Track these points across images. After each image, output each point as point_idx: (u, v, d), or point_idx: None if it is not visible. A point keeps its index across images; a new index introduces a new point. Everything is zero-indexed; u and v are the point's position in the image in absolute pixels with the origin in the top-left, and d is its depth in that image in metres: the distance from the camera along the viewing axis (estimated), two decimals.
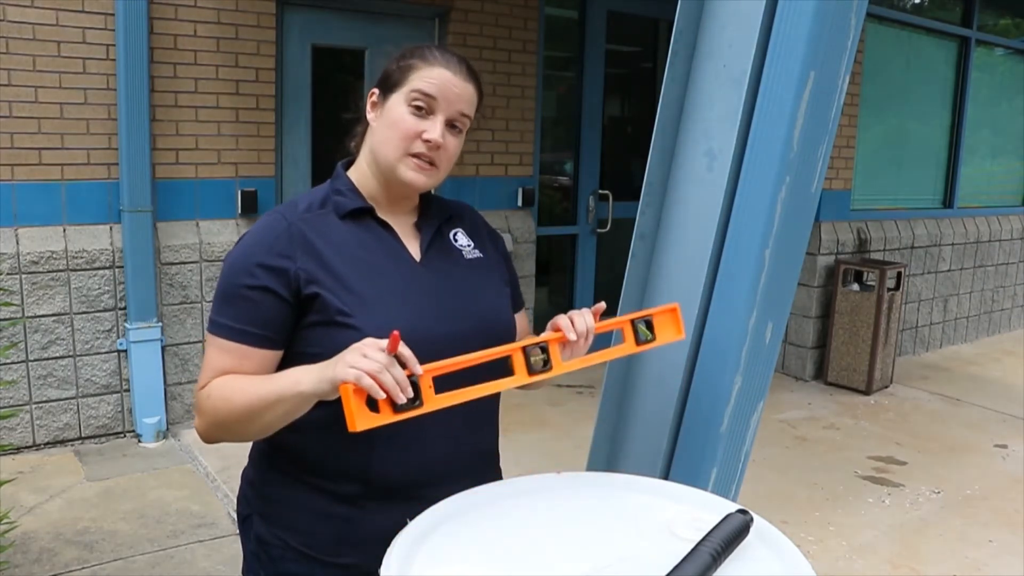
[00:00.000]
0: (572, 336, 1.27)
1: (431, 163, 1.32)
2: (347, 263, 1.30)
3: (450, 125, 1.33)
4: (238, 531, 1.47)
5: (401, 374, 1.09)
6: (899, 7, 6.44)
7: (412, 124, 1.30)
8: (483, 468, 1.38)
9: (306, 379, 1.16)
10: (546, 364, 1.25)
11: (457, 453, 1.35)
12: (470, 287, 1.40)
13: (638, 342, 1.36)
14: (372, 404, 1.08)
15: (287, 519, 1.35)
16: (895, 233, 6.30)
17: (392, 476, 1.29)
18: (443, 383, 1.21)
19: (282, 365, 1.30)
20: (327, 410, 1.19)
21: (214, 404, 1.26)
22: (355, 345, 1.12)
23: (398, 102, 1.32)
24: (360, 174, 1.39)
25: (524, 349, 1.23)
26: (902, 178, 6.71)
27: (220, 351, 1.28)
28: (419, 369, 1.11)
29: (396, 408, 1.08)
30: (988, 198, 7.45)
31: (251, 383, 1.24)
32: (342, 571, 1.19)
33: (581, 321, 1.29)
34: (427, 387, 1.12)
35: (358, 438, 1.12)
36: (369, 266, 1.32)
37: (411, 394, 1.09)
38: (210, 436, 1.30)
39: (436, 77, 1.31)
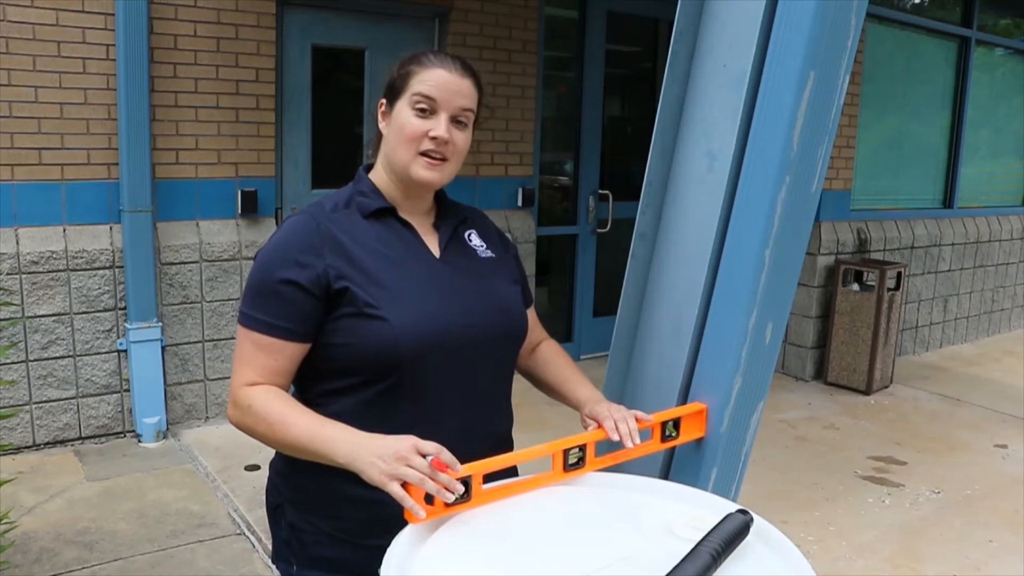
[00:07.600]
0: (615, 437, 1.41)
1: (442, 158, 1.42)
2: (373, 259, 1.39)
3: (455, 121, 1.42)
4: (268, 521, 1.54)
5: (445, 479, 1.19)
6: (899, 7, 6.44)
7: (418, 125, 1.40)
8: (499, 450, 1.45)
9: (342, 450, 1.26)
10: (580, 461, 1.38)
11: (475, 435, 1.44)
12: (487, 282, 1.50)
13: (663, 439, 1.49)
14: (429, 498, 1.19)
15: (319, 505, 1.42)
16: (895, 233, 6.30)
17: None
18: (450, 377, 1.40)
19: (311, 355, 1.39)
20: (359, 398, 1.37)
21: (254, 419, 1.35)
22: (395, 449, 1.21)
23: (403, 108, 1.41)
24: (379, 178, 1.48)
25: (565, 451, 1.36)
26: (902, 178, 6.71)
27: (255, 345, 1.37)
28: (459, 468, 1.21)
29: (448, 503, 1.20)
30: (988, 198, 7.44)
31: (293, 418, 1.32)
32: (373, 552, 1.21)
33: (624, 428, 1.42)
34: (477, 484, 1.24)
35: (389, 425, 1.30)
36: (393, 262, 1.41)
37: (460, 490, 1.20)
38: (241, 429, 1.39)
39: (434, 78, 1.40)
